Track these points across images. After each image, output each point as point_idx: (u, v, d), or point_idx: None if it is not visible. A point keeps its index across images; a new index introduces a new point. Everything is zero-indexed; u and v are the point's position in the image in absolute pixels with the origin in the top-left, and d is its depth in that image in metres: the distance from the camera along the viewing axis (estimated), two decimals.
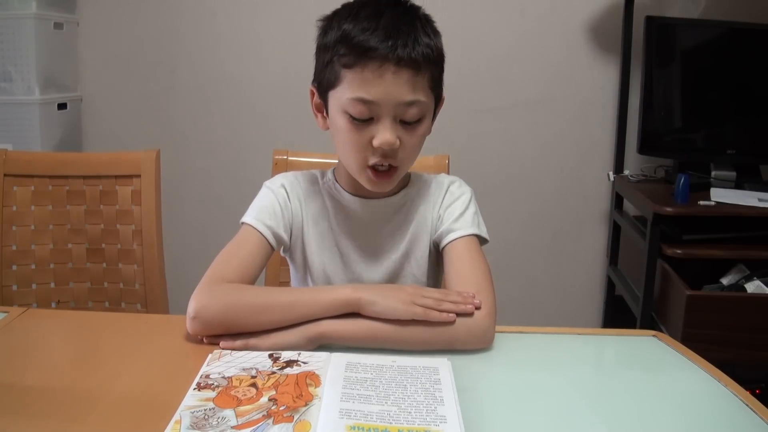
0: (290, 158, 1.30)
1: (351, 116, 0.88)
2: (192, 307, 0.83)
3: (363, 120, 0.88)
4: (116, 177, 1.32)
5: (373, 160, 0.90)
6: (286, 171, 1.27)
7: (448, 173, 1.25)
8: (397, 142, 0.88)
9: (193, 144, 2.29)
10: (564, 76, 2.19)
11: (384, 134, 0.87)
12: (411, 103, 0.87)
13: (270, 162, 1.30)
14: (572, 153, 2.23)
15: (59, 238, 1.33)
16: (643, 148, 1.99)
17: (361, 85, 0.86)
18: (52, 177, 1.32)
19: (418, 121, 0.90)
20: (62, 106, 2.16)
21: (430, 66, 0.88)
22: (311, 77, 0.96)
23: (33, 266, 1.33)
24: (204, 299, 0.83)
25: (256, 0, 2.18)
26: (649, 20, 1.94)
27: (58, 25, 2.11)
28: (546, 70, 2.19)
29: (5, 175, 1.30)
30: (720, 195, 1.78)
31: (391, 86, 0.85)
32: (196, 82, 2.25)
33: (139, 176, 1.32)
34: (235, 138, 2.28)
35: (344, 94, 0.87)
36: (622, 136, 2.13)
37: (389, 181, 0.93)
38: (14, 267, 1.32)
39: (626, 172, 2.12)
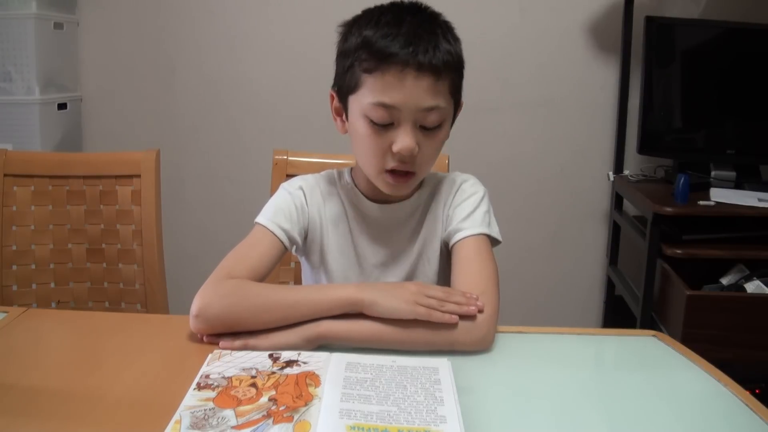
0: (290, 158, 1.30)
1: (371, 121, 0.88)
2: (195, 305, 0.82)
3: (383, 125, 0.88)
4: (116, 177, 1.32)
5: (391, 165, 0.90)
6: (286, 171, 1.27)
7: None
8: (417, 148, 0.88)
9: (193, 144, 2.29)
10: (564, 76, 2.19)
11: (404, 139, 0.87)
12: (431, 109, 0.87)
13: (270, 162, 1.30)
14: (572, 153, 2.23)
15: (59, 238, 1.33)
16: (643, 148, 1.99)
17: (382, 89, 0.86)
18: (52, 177, 1.32)
19: (438, 126, 0.90)
20: (62, 106, 2.16)
21: (450, 72, 0.88)
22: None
23: (33, 266, 1.33)
24: (207, 298, 0.83)
25: (257, 0, 2.19)
26: (649, 20, 1.94)
27: (58, 25, 2.11)
28: (546, 70, 2.19)
29: (5, 175, 1.30)
30: (720, 195, 1.78)
31: (412, 91, 0.85)
32: (196, 82, 2.25)
33: (139, 176, 1.32)
34: (235, 138, 2.28)
35: (365, 99, 0.88)
36: (622, 136, 2.13)
37: (406, 184, 0.93)
38: (14, 267, 1.32)
39: (626, 172, 2.12)
